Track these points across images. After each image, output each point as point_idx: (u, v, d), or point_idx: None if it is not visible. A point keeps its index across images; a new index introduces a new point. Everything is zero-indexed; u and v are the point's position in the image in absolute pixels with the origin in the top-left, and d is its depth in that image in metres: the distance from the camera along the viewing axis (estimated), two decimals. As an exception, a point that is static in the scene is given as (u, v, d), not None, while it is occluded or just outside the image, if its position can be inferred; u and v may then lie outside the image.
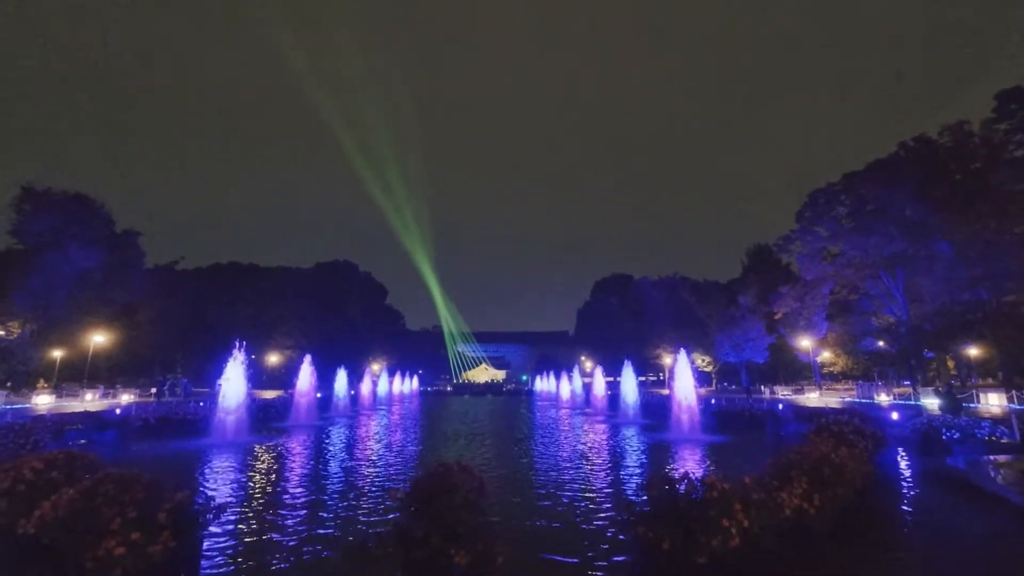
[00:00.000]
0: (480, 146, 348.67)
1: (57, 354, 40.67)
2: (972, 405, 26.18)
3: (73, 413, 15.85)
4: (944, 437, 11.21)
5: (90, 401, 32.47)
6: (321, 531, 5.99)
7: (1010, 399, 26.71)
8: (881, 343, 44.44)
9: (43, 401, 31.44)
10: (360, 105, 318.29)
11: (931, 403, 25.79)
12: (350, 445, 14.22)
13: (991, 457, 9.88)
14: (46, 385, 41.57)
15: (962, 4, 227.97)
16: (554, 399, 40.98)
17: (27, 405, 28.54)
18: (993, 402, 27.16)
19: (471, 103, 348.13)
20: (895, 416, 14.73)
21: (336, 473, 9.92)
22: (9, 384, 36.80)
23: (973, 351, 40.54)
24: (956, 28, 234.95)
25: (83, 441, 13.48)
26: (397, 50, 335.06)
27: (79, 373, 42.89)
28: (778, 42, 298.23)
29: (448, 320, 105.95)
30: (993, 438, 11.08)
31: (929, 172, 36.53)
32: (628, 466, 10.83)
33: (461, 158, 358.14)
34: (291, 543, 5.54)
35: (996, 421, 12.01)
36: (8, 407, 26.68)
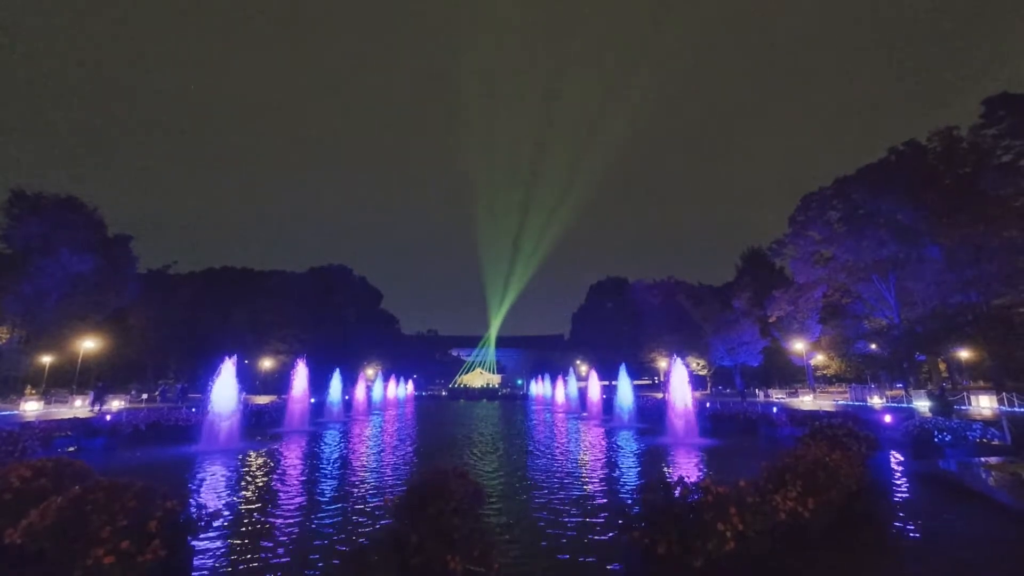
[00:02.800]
0: (477, 147, 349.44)
1: (46, 360, 40.14)
2: (963, 407, 26.39)
3: (62, 420, 15.63)
4: (936, 439, 11.28)
5: (79, 407, 32.03)
6: (315, 538, 5.93)
7: (1000, 401, 26.95)
8: (874, 346, 44.80)
9: (31, 408, 30.96)
10: (359, 109, 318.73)
11: (923, 405, 25.98)
12: (344, 451, 14.11)
13: (982, 459, 9.94)
14: (34, 391, 40.98)
15: (954, 12, 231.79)
16: (549, 403, 40.92)
17: (15, 412, 28.09)
18: (984, 404, 27.39)
19: (467, 104, 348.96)
20: (888, 419, 14.84)
21: (330, 479, 9.84)
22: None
23: (964, 354, 40.93)
24: (948, 36, 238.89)
25: (72, 448, 13.29)
26: (398, 54, 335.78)
27: (69, 379, 42.38)
28: (773, 49, 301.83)
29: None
30: (984, 440, 11.18)
31: (919, 177, 37.00)
32: (624, 470, 10.82)
33: (459, 159, 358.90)
34: (285, 551, 5.48)
35: (987, 423, 12.13)
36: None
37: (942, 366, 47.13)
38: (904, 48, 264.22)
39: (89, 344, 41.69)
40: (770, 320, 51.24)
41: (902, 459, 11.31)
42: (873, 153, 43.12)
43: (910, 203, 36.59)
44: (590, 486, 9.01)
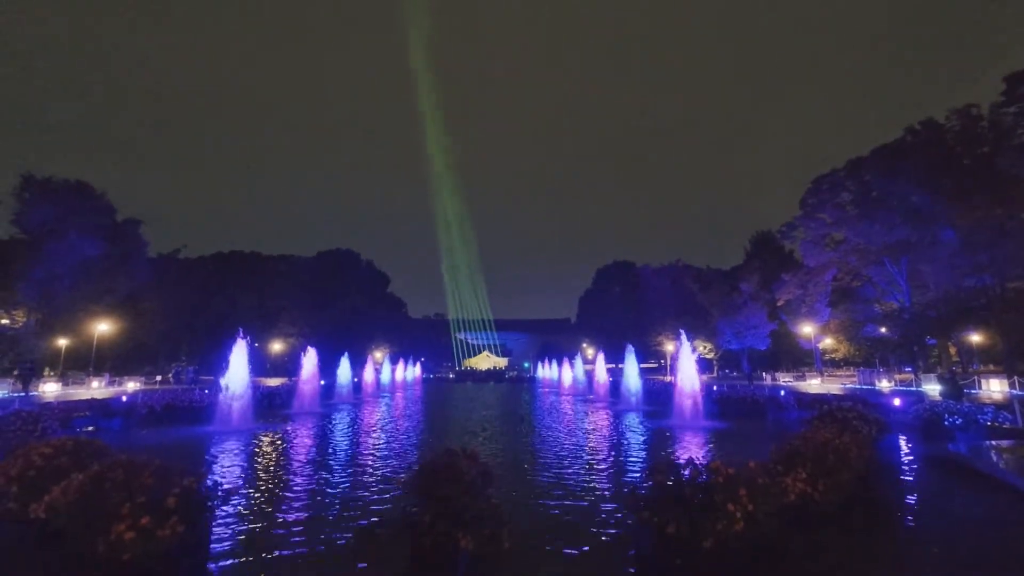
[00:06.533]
0: (483, 136, 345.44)
1: (62, 343, 40.95)
2: (974, 391, 26.22)
3: (79, 401, 15.99)
4: (946, 423, 11.22)
5: (96, 389, 32.76)
6: (328, 516, 6.05)
7: (1012, 385, 26.73)
8: (883, 330, 44.42)
9: (49, 389, 31.76)
10: (368, 102, 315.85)
11: (933, 389, 25.84)
12: (354, 431, 14.34)
13: (993, 443, 9.91)
14: (52, 373, 41.90)
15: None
16: (556, 386, 41.18)
17: (34, 393, 28.80)
18: (995, 388, 27.19)
19: (474, 96, 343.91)
20: (897, 402, 14.76)
21: (341, 459, 10.01)
22: (16, 372, 37.05)
23: (975, 337, 40.54)
24: (967, 15, 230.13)
25: (90, 428, 13.60)
26: (403, 47, 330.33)
27: (84, 361, 43.26)
28: (784, 32, 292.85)
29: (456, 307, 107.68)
30: (995, 424, 11.10)
31: (935, 158, 36.10)
32: (631, 452, 10.90)
33: (463, 148, 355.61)
34: (298, 528, 5.60)
35: (998, 407, 12.03)
36: (16, 395, 26.94)
37: (952, 350, 46.71)
38: (923, 24, 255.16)
39: (103, 327, 42.42)
40: (778, 304, 50.90)
41: (912, 442, 11.27)
42: (887, 135, 42.04)
43: (925, 185, 35.79)
44: (598, 467, 9.09)
